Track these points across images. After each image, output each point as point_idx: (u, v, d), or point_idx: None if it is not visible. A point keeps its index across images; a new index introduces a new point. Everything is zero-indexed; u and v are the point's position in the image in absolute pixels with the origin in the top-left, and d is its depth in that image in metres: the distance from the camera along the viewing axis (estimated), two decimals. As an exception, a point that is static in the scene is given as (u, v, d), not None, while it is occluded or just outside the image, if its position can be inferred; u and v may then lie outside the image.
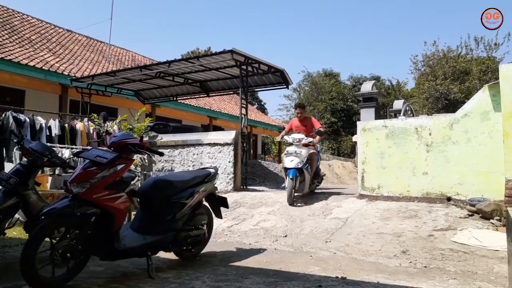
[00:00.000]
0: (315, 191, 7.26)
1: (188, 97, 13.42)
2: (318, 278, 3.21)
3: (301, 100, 36.56)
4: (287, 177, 6.16)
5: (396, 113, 13.80)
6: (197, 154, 8.08)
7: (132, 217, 3.86)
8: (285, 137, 6.80)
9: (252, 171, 10.67)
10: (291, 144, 6.51)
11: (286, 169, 6.27)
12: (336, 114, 33.73)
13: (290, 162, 6.11)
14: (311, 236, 4.78)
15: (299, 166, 6.09)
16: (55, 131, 7.75)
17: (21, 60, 10.32)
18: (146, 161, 8.36)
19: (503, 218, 4.67)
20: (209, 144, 7.96)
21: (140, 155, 5.74)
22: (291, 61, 72.63)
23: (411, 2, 61.14)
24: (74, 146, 7.72)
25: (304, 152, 6.23)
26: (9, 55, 10.18)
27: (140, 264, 3.56)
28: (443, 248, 4.03)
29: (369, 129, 6.57)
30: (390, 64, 65.31)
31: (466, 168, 5.65)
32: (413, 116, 13.35)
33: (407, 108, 14.16)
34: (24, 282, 2.73)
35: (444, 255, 3.86)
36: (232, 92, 13.34)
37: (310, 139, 6.56)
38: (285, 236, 4.88)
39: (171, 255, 3.82)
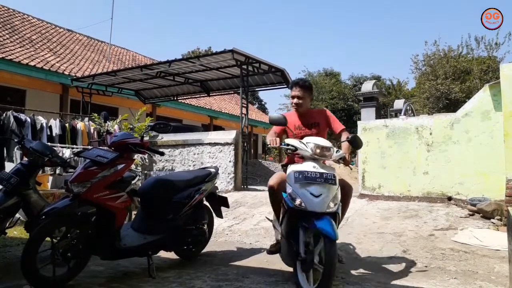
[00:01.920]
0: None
1: (189, 97, 13.44)
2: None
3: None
4: (298, 243, 2.81)
5: (397, 113, 13.80)
6: (198, 153, 8.09)
7: (133, 216, 3.87)
8: (293, 141, 3.11)
9: (252, 170, 10.68)
10: (297, 156, 3.22)
11: (302, 215, 2.81)
12: (337, 113, 33.62)
13: (320, 200, 2.78)
14: (312, 236, 4.78)
15: (334, 209, 2.84)
16: (56, 130, 7.77)
17: (22, 60, 10.33)
18: (147, 160, 8.37)
19: (504, 217, 4.67)
20: (209, 144, 7.97)
21: (140, 155, 5.74)
22: (292, 61, 72.67)
23: (412, 1, 61.13)
24: (74, 146, 7.73)
25: (336, 176, 3.00)
26: (10, 55, 10.19)
27: (141, 263, 3.56)
28: (443, 248, 4.03)
29: (369, 129, 6.57)
30: (390, 64, 65.30)
31: (467, 168, 5.65)
32: (413, 115, 13.34)
33: (408, 107, 14.16)
34: (25, 281, 2.74)
35: (444, 254, 3.86)
36: (232, 92, 13.36)
37: (342, 154, 3.17)
38: (286, 235, 4.86)
39: (171, 255, 3.82)
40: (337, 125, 3.62)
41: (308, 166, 2.96)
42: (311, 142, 3.07)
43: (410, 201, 5.94)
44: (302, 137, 3.41)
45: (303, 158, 3.09)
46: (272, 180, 3.40)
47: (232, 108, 20.82)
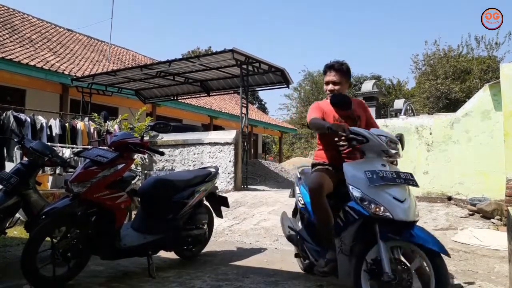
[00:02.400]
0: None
1: (189, 97, 13.44)
2: (319, 278, 3.19)
3: (302, 99, 36.40)
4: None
5: (397, 113, 13.78)
6: (198, 153, 8.09)
7: (133, 216, 3.87)
8: (362, 130, 2.57)
9: (252, 170, 10.68)
10: (345, 152, 2.84)
11: (381, 226, 2.31)
12: (337, 113, 33.67)
13: (408, 206, 2.31)
14: (312, 236, 4.77)
15: (419, 218, 2.42)
16: (56, 130, 7.77)
17: (22, 60, 10.32)
18: (147, 160, 8.37)
19: (504, 217, 4.67)
20: (209, 144, 7.97)
21: (140, 155, 5.74)
22: (292, 61, 72.62)
23: (412, 1, 61.11)
24: (74, 146, 7.73)
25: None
26: (10, 55, 10.19)
27: (141, 263, 3.56)
28: (443, 248, 4.03)
29: (369, 129, 6.57)
30: (390, 64, 65.28)
31: (467, 168, 5.65)
32: (413, 115, 13.33)
33: (408, 107, 14.13)
34: (25, 281, 2.74)
35: (444, 254, 3.85)
36: (232, 92, 13.35)
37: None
38: (286, 235, 4.87)
39: (171, 255, 3.82)
40: (376, 123, 3.13)
41: (377, 164, 2.46)
42: (383, 135, 2.54)
43: (410, 201, 5.94)
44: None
45: (363, 154, 2.59)
46: (316, 182, 2.73)
47: (232, 108, 20.81)
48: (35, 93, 11.49)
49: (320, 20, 68.96)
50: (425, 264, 2.23)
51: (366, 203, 2.32)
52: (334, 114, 2.95)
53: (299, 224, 3.22)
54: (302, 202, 2.96)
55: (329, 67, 3.04)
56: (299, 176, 3.24)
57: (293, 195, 3.35)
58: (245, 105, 8.87)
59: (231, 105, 21.50)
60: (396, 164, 2.71)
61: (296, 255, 3.19)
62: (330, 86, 2.99)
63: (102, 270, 3.44)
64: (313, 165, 3.05)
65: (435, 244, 2.19)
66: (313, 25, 70.04)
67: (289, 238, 3.21)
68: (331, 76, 2.99)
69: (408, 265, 2.26)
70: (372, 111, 12.31)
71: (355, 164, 2.57)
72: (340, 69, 3.00)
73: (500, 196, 4.91)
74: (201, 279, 3.18)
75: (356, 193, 2.39)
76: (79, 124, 8.23)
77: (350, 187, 2.44)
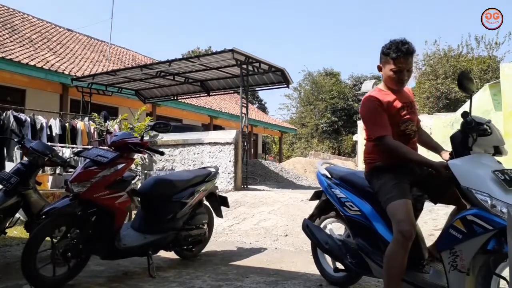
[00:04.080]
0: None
1: (189, 97, 13.43)
2: (319, 278, 3.20)
3: (302, 99, 36.37)
4: None
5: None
6: (198, 153, 8.08)
7: (133, 216, 3.87)
8: (482, 118, 2.37)
9: (252, 170, 10.67)
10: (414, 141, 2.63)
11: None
12: (337, 113, 33.73)
13: None
14: (312, 236, 4.77)
15: None
16: (56, 130, 7.77)
17: (22, 60, 10.32)
18: (147, 160, 8.37)
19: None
20: (209, 144, 7.96)
21: (140, 155, 5.74)
22: (292, 60, 72.66)
23: (412, 1, 61.12)
24: (74, 146, 7.73)
25: None
26: (10, 55, 10.18)
27: (141, 263, 3.56)
28: (443, 248, 4.02)
29: (369, 129, 6.57)
30: (390, 63, 65.17)
31: (467, 168, 5.65)
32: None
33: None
34: (25, 281, 2.74)
35: (444, 254, 3.85)
36: (232, 92, 13.35)
37: None
38: (286, 235, 4.88)
39: (171, 255, 3.83)
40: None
41: (491, 162, 2.15)
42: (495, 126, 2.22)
43: (410, 200, 5.93)
44: (402, 124, 2.44)
45: (474, 149, 2.19)
46: (409, 221, 2.17)
47: (232, 107, 20.81)
48: (35, 93, 11.49)
49: (320, 20, 68.99)
50: None
51: (499, 209, 1.92)
52: (396, 104, 2.40)
53: (330, 230, 2.91)
54: (356, 208, 2.52)
55: (406, 53, 2.32)
56: (328, 175, 2.81)
57: (315, 197, 3.04)
58: (245, 105, 8.86)
59: (231, 105, 21.49)
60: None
61: (336, 270, 2.81)
62: (406, 75, 2.39)
63: (102, 270, 3.44)
64: (372, 169, 2.45)
65: None
66: (313, 25, 70.07)
67: (328, 251, 2.77)
68: (408, 64, 2.36)
69: None
70: (372, 111, 12.26)
71: (468, 162, 2.15)
72: (413, 53, 2.38)
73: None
74: (201, 279, 3.18)
75: (484, 197, 1.99)
76: (79, 124, 8.24)
77: (473, 191, 2.04)
